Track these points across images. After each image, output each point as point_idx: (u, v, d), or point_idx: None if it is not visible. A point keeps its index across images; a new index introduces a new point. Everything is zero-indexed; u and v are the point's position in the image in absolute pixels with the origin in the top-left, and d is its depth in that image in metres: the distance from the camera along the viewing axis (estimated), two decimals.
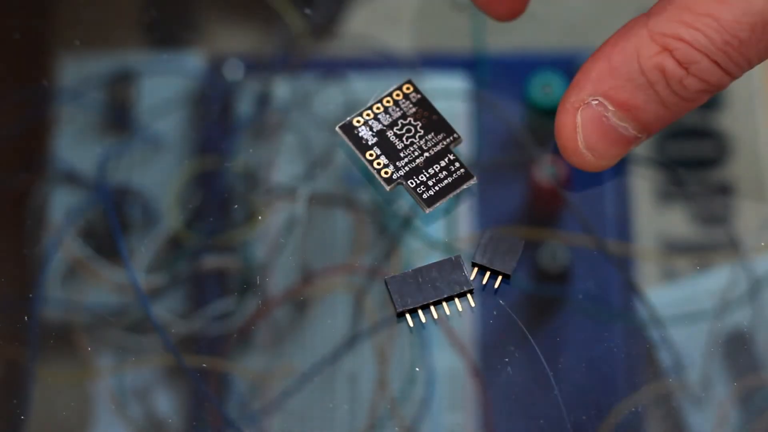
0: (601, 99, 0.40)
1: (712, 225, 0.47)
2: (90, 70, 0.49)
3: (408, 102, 0.45)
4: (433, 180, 0.44)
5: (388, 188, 0.44)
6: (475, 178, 0.44)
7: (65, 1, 0.51)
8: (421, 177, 0.44)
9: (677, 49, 0.39)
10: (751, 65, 0.39)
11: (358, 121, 0.45)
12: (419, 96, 0.45)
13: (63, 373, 0.45)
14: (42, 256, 0.46)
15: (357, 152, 0.44)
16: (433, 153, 0.44)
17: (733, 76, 0.39)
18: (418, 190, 0.44)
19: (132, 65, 0.50)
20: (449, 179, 0.44)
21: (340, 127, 0.45)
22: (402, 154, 0.44)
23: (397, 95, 0.45)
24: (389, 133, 0.44)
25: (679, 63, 0.39)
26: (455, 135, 0.44)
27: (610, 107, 0.40)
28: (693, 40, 0.38)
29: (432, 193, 0.44)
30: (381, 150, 0.44)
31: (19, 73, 0.50)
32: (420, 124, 0.44)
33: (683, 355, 0.44)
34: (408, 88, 0.45)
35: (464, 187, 0.44)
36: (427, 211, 0.44)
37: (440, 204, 0.44)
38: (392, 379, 0.44)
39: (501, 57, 0.49)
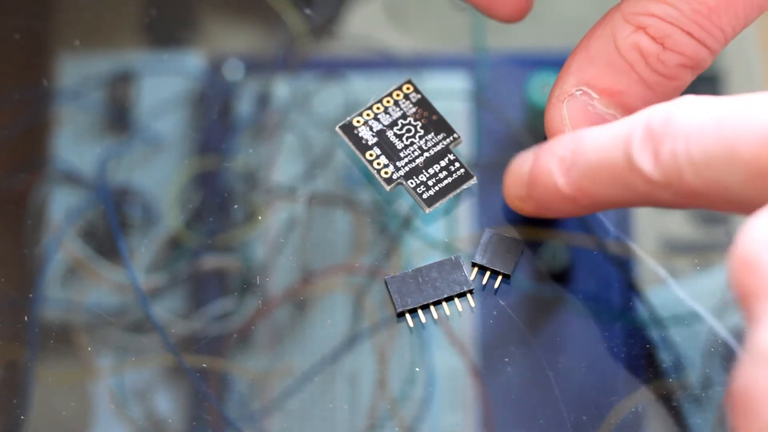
0: (584, 88, 0.40)
1: (712, 225, 0.47)
2: (90, 70, 0.49)
3: (408, 102, 0.45)
4: (433, 180, 0.44)
5: (388, 188, 0.44)
6: (475, 178, 0.44)
7: (65, 1, 0.51)
8: (421, 177, 0.44)
9: (650, 25, 0.39)
10: (726, 35, 0.39)
11: (358, 121, 0.45)
12: (419, 96, 0.45)
13: (63, 373, 0.45)
14: (42, 256, 0.46)
15: (357, 152, 0.44)
16: (433, 153, 0.44)
17: (710, 48, 0.39)
18: (418, 190, 0.44)
19: (132, 65, 0.50)
20: (449, 179, 0.44)
21: (340, 127, 0.45)
22: (402, 154, 0.44)
23: (397, 95, 0.45)
24: (389, 133, 0.44)
25: (654, 39, 0.39)
26: (455, 135, 0.44)
27: (594, 95, 0.40)
28: (664, 14, 0.39)
29: (432, 193, 0.44)
30: (381, 150, 0.44)
31: (19, 73, 0.50)
32: (420, 124, 0.44)
33: (683, 355, 0.44)
34: (408, 88, 0.45)
35: (464, 187, 0.44)
36: (427, 211, 0.44)
37: (440, 204, 0.44)
38: (392, 379, 0.44)
39: (501, 57, 0.49)
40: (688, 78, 0.40)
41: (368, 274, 0.45)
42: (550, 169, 0.40)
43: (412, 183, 0.44)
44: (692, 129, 0.36)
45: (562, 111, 0.41)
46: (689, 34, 0.39)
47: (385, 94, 0.45)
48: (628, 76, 0.40)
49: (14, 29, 0.50)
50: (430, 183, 0.44)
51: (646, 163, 0.37)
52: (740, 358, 0.32)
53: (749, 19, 0.39)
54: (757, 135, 0.34)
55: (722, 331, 0.45)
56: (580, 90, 0.41)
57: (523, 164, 0.41)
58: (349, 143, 0.44)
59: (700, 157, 0.36)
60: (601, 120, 0.40)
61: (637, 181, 0.37)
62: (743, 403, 0.31)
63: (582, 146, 0.39)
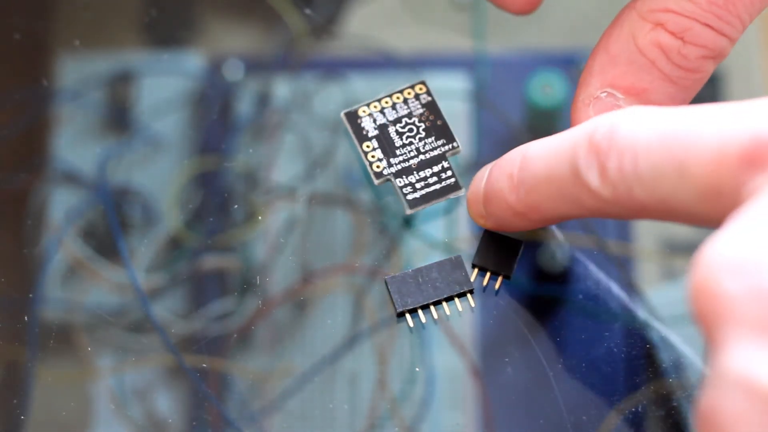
0: (609, 90, 0.40)
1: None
2: (90, 70, 0.49)
3: (417, 102, 0.45)
4: (422, 183, 0.44)
5: (376, 182, 0.44)
6: (463, 190, 0.44)
7: (65, 1, 0.51)
8: (410, 178, 0.44)
9: (668, 21, 0.39)
10: (743, 23, 0.39)
11: (364, 111, 0.45)
12: (430, 99, 0.45)
13: (63, 373, 0.45)
14: (42, 256, 0.46)
15: (355, 141, 0.44)
16: (428, 157, 0.44)
17: (729, 37, 0.39)
18: (404, 190, 0.44)
19: (132, 65, 0.50)
20: (437, 186, 0.44)
21: (344, 114, 0.45)
22: (398, 152, 0.44)
23: (408, 93, 0.45)
24: (391, 129, 0.44)
25: (674, 34, 0.39)
26: (455, 144, 0.44)
27: (620, 95, 0.40)
28: (680, 9, 0.39)
29: (417, 196, 0.44)
30: (378, 143, 0.44)
31: (19, 73, 0.50)
32: (423, 126, 0.44)
33: (683, 355, 0.44)
34: (421, 89, 0.45)
35: (450, 196, 0.44)
36: (408, 212, 0.43)
37: (423, 208, 0.43)
38: (392, 379, 0.44)
39: (501, 57, 0.49)
40: (711, 68, 0.40)
41: (368, 274, 0.45)
42: (500, 187, 0.40)
43: (400, 182, 0.44)
44: (639, 143, 0.35)
45: (589, 115, 0.41)
46: (708, 25, 0.39)
47: (396, 90, 0.45)
48: (651, 73, 0.40)
49: (14, 29, 0.50)
50: (417, 185, 0.44)
51: (592, 178, 0.36)
52: (704, 382, 0.32)
53: (765, 4, 0.39)
54: (708, 151, 0.33)
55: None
56: (605, 92, 0.40)
57: (480, 181, 0.41)
58: (350, 130, 0.44)
59: (649, 173, 0.34)
60: None
61: (585, 196, 0.37)
62: (708, 426, 0.31)
63: (528, 162, 0.39)
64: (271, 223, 0.46)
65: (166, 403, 0.44)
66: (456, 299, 0.43)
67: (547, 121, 0.48)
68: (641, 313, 0.45)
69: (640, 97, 0.40)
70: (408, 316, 0.43)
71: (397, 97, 0.45)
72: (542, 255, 0.45)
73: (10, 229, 0.47)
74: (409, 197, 0.44)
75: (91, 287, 0.46)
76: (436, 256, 0.44)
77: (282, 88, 0.49)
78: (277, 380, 0.44)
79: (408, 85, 0.45)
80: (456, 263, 0.44)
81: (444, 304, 0.43)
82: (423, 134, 0.44)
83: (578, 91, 0.41)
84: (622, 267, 0.45)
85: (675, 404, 0.43)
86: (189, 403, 0.44)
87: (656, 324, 0.44)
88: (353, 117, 0.45)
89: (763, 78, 0.49)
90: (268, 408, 0.44)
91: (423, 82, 0.45)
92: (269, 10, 0.50)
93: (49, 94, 0.49)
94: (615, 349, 0.44)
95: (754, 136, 0.33)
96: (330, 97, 0.48)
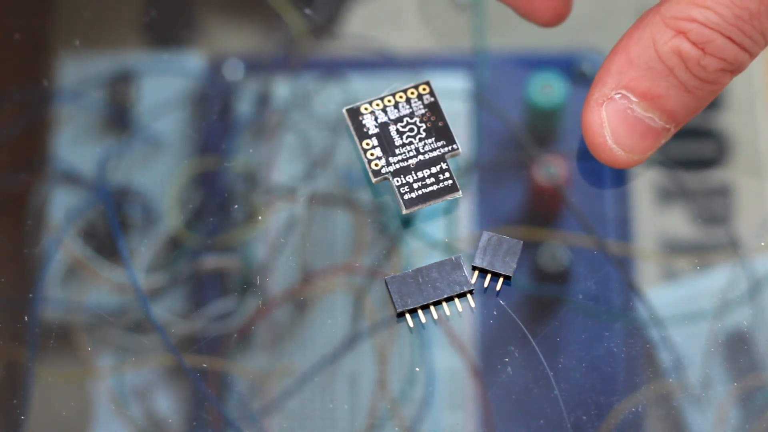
0: (623, 91, 0.40)
1: (712, 225, 0.47)
2: (90, 70, 0.49)
3: (420, 102, 0.45)
4: (419, 184, 0.44)
5: (374, 180, 0.44)
6: (460, 192, 0.44)
7: (65, 1, 0.51)
8: (408, 178, 0.44)
9: (691, 30, 0.39)
10: (766, 39, 0.39)
11: (366, 108, 0.45)
12: (432, 99, 0.45)
13: (63, 373, 0.45)
14: (42, 256, 0.46)
15: (355, 138, 0.44)
16: (427, 158, 0.44)
17: (750, 52, 0.39)
18: (401, 189, 0.44)
19: (132, 65, 0.50)
20: (434, 187, 0.44)
21: (347, 110, 0.45)
22: (397, 151, 0.44)
23: (412, 93, 0.45)
24: (392, 128, 0.44)
25: (695, 44, 0.39)
26: (454, 146, 0.44)
27: (634, 98, 0.40)
28: (705, 19, 0.39)
29: (413, 196, 0.44)
30: (378, 142, 0.44)
31: (19, 73, 0.50)
32: (424, 127, 0.44)
33: (683, 355, 0.44)
34: (424, 89, 0.45)
35: (447, 198, 0.44)
36: (405, 212, 0.44)
37: (419, 208, 0.43)
38: (392, 379, 0.44)
39: (501, 57, 0.49)
40: (727, 81, 0.40)
41: (368, 274, 0.45)
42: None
43: (397, 181, 0.44)
44: None
45: (601, 114, 0.41)
46: (730, 39, 0.39)
47: (400, 89, 0.45)
48: (668, 80, 0.40)
49: (14, 29, 0.50)
50: (415, 186, 0.44)
51: None
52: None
53: None
54: None
55: (722, 331, 0.45)
56: (620, 93, 0.40)
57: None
58: (351, 127, 0.44)
59: None
60: (640, 123, 0.40)
61: None
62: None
63: None
64: (271, 223, 0.46)
65: (166, 403, 0.44)
66: (456, 299, 0.43)
67: (547, 121, 0.48)
68: (641, 313, 0.45)
69: (654, 102, 0.40)
70: (408, 316, 0.43)
71: (400, 96, 0.45)
72: (542, 255, 0.45)
73: (10, 229, 0.47)
74: (406, 197, 0.44)
75: (91, 287, 0.46)
76: (436, 256, 0.44)
77: (282, 88, 0.49)
78: (277, 380, 0.44)
79: (412, 84, 0.45)
80: (456, 263, 0.44)
81: (444, 304, 0.43)
82: (423, 135, 0.44)
83: (592, 90, 0.41)
84: (622, 267, 0.45)
85: (675, 404, 0.43)
86: (189, 403, 0.44)
87: (656, 324, 0.44)
88: (355, 114, 0.45)
89: (764, 78, 0.49)
90: (268, 408, 0.44)
91: (427, 83, 0.45)
92: (269, 10, 0.50)
93: (49, 94, 0.49)
94: (615, 349, 0.44)
95: None
96: (330, 97, 0.48)
